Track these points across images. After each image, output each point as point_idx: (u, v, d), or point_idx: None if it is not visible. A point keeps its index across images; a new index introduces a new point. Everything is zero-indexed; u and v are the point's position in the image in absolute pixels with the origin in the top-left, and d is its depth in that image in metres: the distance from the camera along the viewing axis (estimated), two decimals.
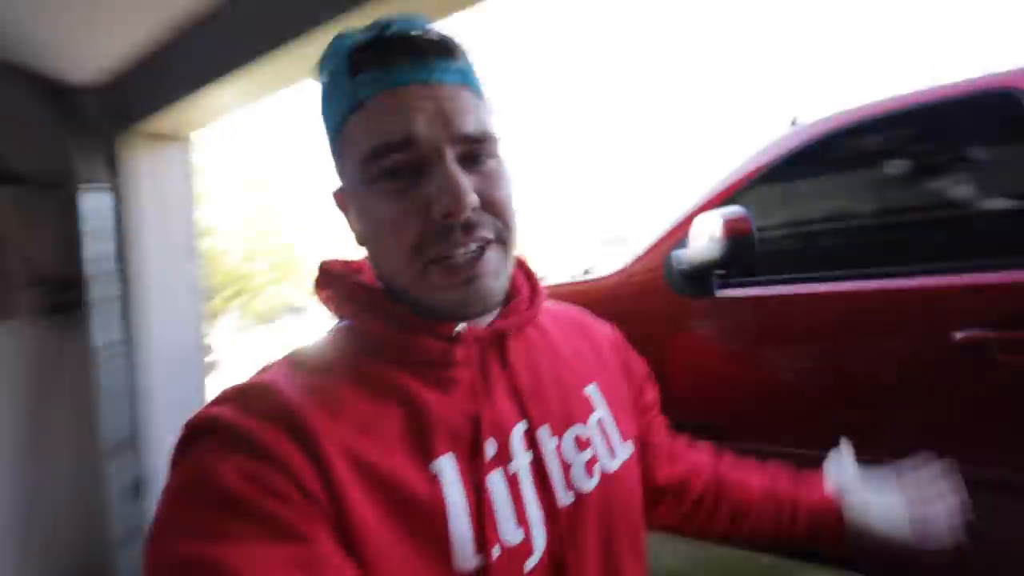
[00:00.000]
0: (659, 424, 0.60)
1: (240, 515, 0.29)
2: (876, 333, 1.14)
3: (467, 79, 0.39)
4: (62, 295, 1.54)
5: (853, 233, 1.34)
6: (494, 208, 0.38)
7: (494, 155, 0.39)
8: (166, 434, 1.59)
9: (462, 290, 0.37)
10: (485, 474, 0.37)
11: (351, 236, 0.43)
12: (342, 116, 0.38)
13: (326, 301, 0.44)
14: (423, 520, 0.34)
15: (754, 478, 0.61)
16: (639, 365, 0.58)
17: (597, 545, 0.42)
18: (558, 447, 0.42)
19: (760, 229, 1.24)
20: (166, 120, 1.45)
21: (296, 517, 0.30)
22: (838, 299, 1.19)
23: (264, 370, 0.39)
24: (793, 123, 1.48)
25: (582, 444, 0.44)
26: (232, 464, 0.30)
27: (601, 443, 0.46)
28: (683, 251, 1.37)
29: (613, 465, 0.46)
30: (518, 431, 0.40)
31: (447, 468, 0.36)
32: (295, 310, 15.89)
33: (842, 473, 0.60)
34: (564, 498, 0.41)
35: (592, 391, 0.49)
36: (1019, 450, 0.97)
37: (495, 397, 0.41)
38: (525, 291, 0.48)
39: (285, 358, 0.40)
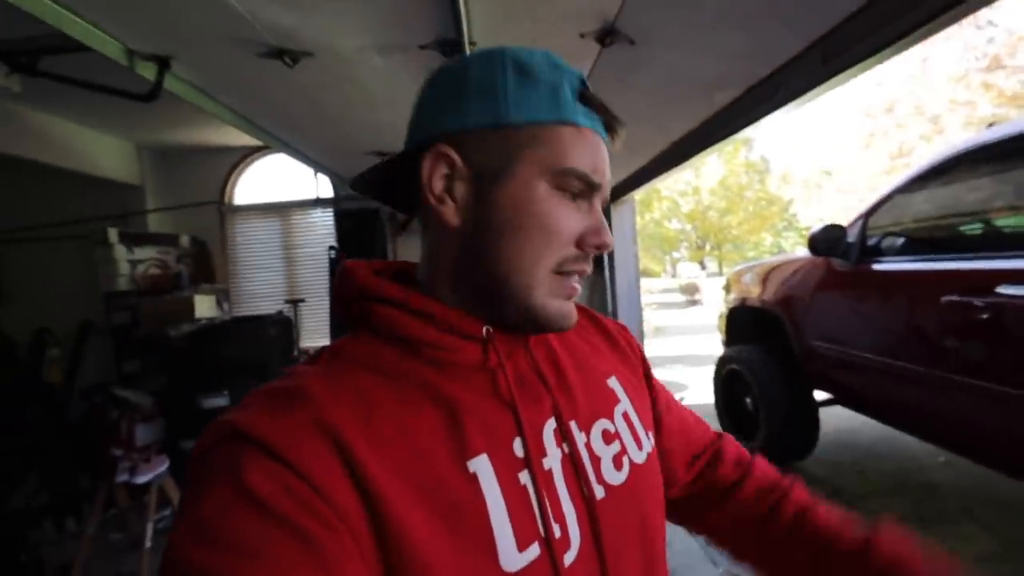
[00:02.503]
0: (667, 400, 0.59)
1: (264, 526, 0.28)
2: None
3: None
4: (597, 260, 4.40)
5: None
6: None
7: None
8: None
9: (566, 306, 0.42)
10: (520, 471, 0.38)
11: (447, 209, 0.40)
12: (551, 118, 0.39)
13: (351, 302, 0.43)
14: (467, 521, 0.34)
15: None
16: (642, 353, 0.59)
17: (633, 536, 0.43)
18: (587, 442, 0.44)
19: (916, 220, 2.09)
20: (625, 197, 3.86)
21: (323, 533, 0.29)
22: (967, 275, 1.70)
23: (296, 372, 0.37)
24: (989, 126, 2.05)
25: (609, 437, 0.45)
26: (261, 473, 0.30)
27: (628, 435, 0.47)
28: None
29: (640, 457, 0.47)
30: (549, 427, 0.42)
31: (484, 467, 0.36)
32: (770, 255, 17.04)
33: None
34: (597, 492, 0.42)
35: (614, 384, 0.50)
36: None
37: (526, 394, 0.42)
38: None
39: (317, 359, 0.40)
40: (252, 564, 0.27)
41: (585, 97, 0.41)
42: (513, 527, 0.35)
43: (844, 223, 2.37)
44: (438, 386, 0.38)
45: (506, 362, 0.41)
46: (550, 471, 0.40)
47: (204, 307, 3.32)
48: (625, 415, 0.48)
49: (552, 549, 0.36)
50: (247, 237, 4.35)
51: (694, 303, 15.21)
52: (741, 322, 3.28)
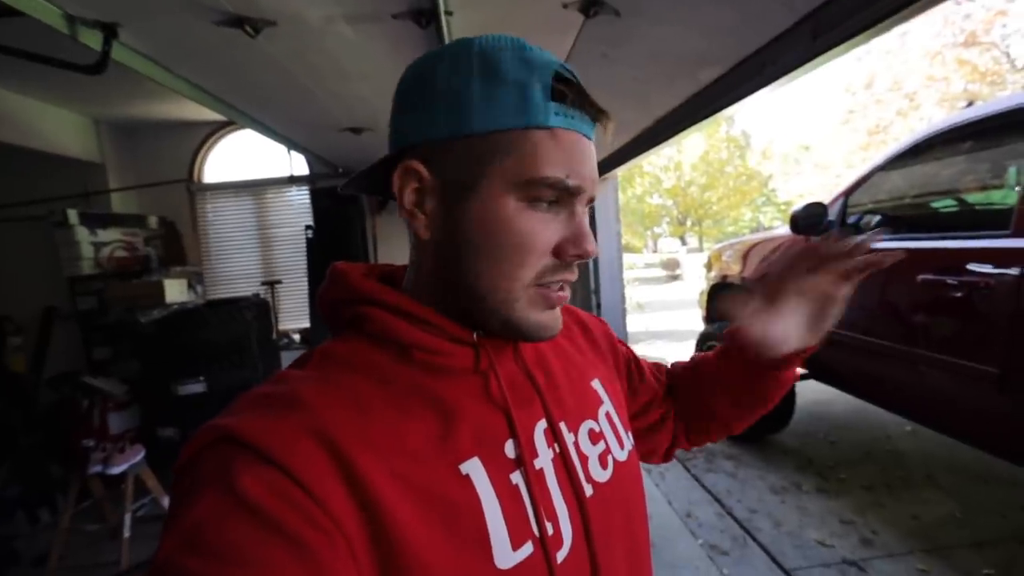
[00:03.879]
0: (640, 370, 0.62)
1: (257, 533, 0.27)
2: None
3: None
4: None
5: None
6: None
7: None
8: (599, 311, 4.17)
9: (550, 316, 0.40)
10: (512, 471, 0.38)
11: (420, 226, 0.40)
12: (517, 124, 0.37)
13: (340, 304, 0.42)
14: (462, 521, 0.34)
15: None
16: (622, 347, 0.61)
17: (620, 530, 0.44)
18: (576, 441, 0.44)
19: (894, 199, 2.12)
20: (607, 175, 3.81)
21: (317, 539, 0.28)
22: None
23: (287, 376, 0.37)
24: (968, 105, 2.06)
25: (595, 437, 0.46)
26: (254, 478, 0.29)
27: (611, 435, 0.48)
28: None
29: (622, 455, 0.48)
30: (540, 428, 0.42)
31: (476, 469, 0.37)
32: (750, 231, 17.39)
33: None
34: (586, 490, 0.42)
35: (597, 385, 0.51)
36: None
37: (517, 397, 0.42)
38: None
39: (307, 362, 0.39)
40: (244, 572, 0.27)
41: (559, 93, 0.37)
42: (507, 526, 0.36)
43: (824, 200, 2.39)
44: (431, 389, 0.39)
45: (497, 365, 0.42)
46: (541, 471, 0.40)
47: (175, 291, 3.20)
48: (608, 415, 0.50)
49: (546, 547, 0.37)
50: (219, 217, 4.18)
51: (675, 278, 15.40)
52: (721, 299, 3.32)
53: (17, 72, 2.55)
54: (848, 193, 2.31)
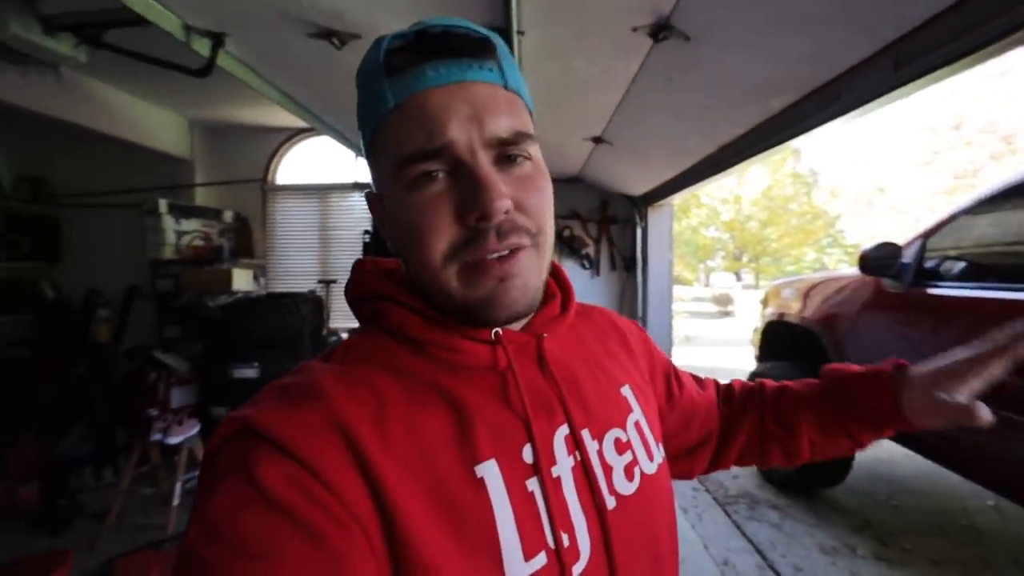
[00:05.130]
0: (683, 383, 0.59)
1: (275, 524, 0.28)
2: None
3: (502, 78, 0.37)
4: (630, 262, 4.24)
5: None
6: (528, 211, 0.37)
7: (529, 156, 0.38)
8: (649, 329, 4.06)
9: (493, 290, 0.36)
10: (528, 478, 0.37)
11: (386, 239, 0.42)
12: (377, 120, 0.37)
13: (362, 300, 0.43)
14: (472, 526, 0.33)
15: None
16: (661, 355, 0.58)
17: (644, 547, 0.41)
18: (599, 450, 0.42)
19: (982, 245, 1.96)
20: (664, 201, 3.76)
21: (335, 530, 0.29)
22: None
23: (310, 368, 0.37)
24: None
25: (622, 447, 0.43)
26: (273, 469, 0.29)
27: (639, 445, 0.45)
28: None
29: (651, 468, 0.45)
30: (561, 434, 0.40)
31: (492, 472, 0.35)
32: (812, 271, 16.51)
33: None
34: (608, 502, 0.40)
35: (627, 392, 0.48)
36: None
37: (537, 400, 0.40)
38: (558, 295, 0.48)
39: (331, 355, 0.40)
40: (262, 563, 0.27)
41: (391, 66, 0.36)
42: (520, 535, 0.34)
43: (898, 242, 2.23)
44: (448, 387, 0.38)
45: (516, 365, 0.40)
46: (559, 479, 0.38)
47: (242, 280, 3.42)
48: (637, 424, 0.47)
49: (561, 559, 0.35)
50: (286, 216, 4.46)
51: (726, 314, 14.78)
52: (776, 337, 3.15)
53: (131, 75, 2.87)
54: (927, 236, 2.15)
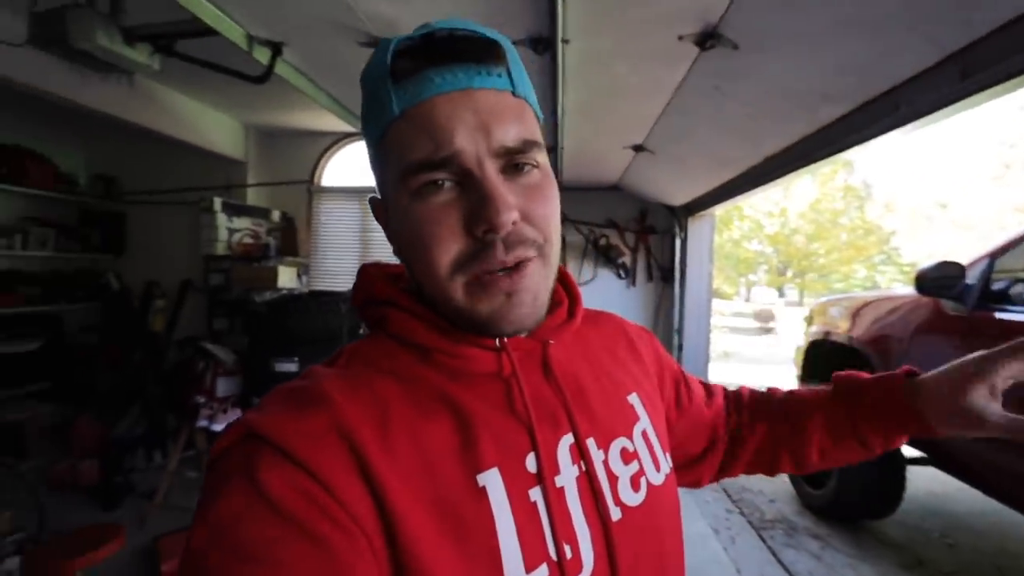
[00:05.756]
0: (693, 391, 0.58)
1: (277, 529, 0.28)
2: None
3: (511, 84, 0.37)
4: (668, 272, 4.15)
5: None
6: (535, 221, 0.37)
7: (537, 164, 0.38)
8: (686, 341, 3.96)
9: (501, 304, 0.36)
10: (531, 487, 0.36)
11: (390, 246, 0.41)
12: (383, 126, 0.37)
13: (367, 305, 0.43)
14: (473, 536, 0.33)
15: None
16: (671, 363, 0.57)
17: (650, 560, 0.40)
18: (605, 460, 0.41)
19: None
20: (705, 212, 3.67)
21: (337, 536, 0.29)
22: None
23: (314, 373, 0.37)
24: None
25: (628, 457, 0.43)
26: (276, 474, 0.29)
27: (646, 455, 0.44)
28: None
29: (658, 478, 0.44)
30: (565, 443, 0.39)
31: (494, 481, 0.35)
32: (862, 290, 15.68)
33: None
34: (613, 513, 0.39)
35: (634, 400, 0.47)
36: None
37: (541, 408, 0.39)
38: (565, 301, 0.47)
39: (336, 360, 0.40)
40: (265, 567, 0.27)
41: (398, 72, 0.35)
42: (521, 545, 0.34)
43: (961, 261, 2.09)
44: (452, 394, 0.37)
45: (521, 372, 0.40)
46: (563, 489, 0.38)
47: (286, 277, 3.57)
48: (644, 434, 0.46)
49: (563, 570, 0.35)
50: (330, 217, 4.62)
51: (767, 331, 14.20)
52: (821, 357, 3.00)
53: (195, 82, 3.06)
54: (995, 255, 2.00)
